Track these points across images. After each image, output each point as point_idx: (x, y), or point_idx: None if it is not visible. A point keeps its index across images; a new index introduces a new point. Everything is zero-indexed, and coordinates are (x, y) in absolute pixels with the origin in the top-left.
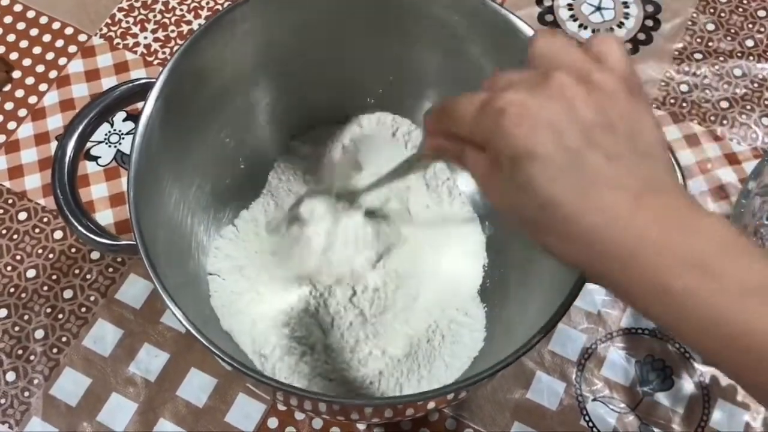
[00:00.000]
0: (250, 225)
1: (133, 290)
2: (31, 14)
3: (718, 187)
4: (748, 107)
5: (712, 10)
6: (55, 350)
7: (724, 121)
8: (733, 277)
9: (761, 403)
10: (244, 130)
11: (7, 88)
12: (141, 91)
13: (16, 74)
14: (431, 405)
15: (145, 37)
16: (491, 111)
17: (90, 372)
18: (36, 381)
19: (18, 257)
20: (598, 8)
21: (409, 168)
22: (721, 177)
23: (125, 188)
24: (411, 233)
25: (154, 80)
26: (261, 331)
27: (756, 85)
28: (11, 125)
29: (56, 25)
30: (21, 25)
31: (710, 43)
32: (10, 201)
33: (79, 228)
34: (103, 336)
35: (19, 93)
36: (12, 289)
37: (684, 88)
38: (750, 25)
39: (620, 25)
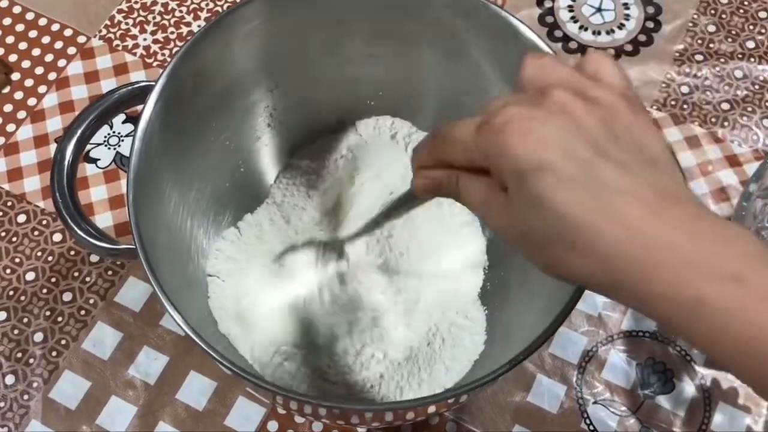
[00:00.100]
0: (253, 229)
1: (133, 293)
2: (30, 16)
3: (719, 189)
4: (749, 109)
5: (713, 12)
6: (54, 353)
7: (725, 123)
8: None
9: None
10: (244, 132)
11: (6, 90)
12: (140, 94)
13: (15, 76)
14: (432, 409)
15: (145, 39)
16: (491, 130)
17: (89, 375)
18: (35, 384)
19: (17, 260)
20: (599, 10)
21: (395, 212)
22: (722, 179)
23: (125, 191)
24: (411, 235)
25: (153, 83)
26: (260, 334)
27: (757, 86)
28: (10, 127)
29: (55, 27)
30: (20, 27)
31: (711, 45)
32: (9, 203)
33: (78, 232)
34: (103, 339)
35: (18, 95)
36: (11, 292)
37: (685, 89)
38: (751, 27)
39: (621, 26)
